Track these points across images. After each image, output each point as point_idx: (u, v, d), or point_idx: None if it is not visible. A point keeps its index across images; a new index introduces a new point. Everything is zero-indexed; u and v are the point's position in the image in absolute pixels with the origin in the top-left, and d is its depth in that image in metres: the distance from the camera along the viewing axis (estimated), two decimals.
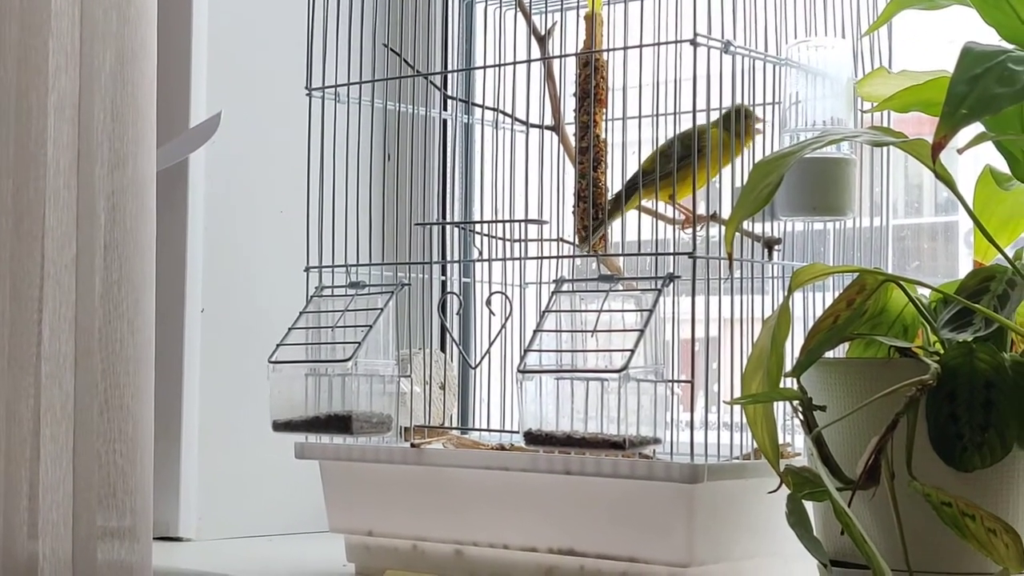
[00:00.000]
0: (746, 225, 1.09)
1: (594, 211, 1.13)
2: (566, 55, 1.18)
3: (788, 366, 0.92)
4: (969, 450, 0.88)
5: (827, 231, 1.15)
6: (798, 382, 0.92)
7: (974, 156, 1.09)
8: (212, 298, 1.41)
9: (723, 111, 1.06)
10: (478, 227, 1.23)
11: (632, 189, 1.11)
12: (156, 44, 1.22)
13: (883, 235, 1.16)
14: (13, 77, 1.20)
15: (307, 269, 1.23)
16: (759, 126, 1.09)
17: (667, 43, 1.05)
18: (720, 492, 1.02)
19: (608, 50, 1.14)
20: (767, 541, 1.05)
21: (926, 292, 0.96)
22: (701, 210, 1.08)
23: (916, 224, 1.37)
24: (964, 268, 1.28)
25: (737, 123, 1.06)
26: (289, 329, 1.19)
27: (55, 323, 1.18)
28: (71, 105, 1.19)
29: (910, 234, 1.37)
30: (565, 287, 1.07)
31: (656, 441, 1.02)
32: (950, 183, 0.89)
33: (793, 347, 0.98)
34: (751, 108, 1.08)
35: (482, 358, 1.22)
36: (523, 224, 1.16)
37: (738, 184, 1.09)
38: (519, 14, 1.21)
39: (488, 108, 1.25)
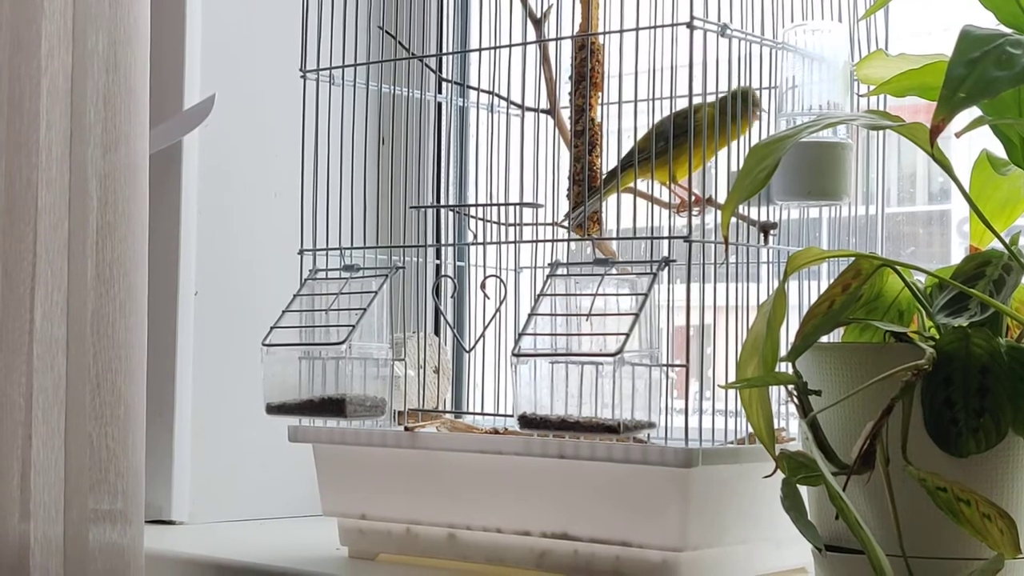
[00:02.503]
0: (742, 209, 1.09)
1: (588, 194, 1.13)
2: (562, 38, 1.17)
3: (784, 351, 0.92)
4: (964, 435, 0.87)
5: (821, 217, 1.15)
6: (793, 367, 0.92)
7: (968, 143, 1.09)
8: (206, 281, 1.41)
9: (727, 92, 1.06)
10: (473, 210, 1.23)
11: (627, 167, 1.11)
12: (149, 25, 1.22)
13: (878, 221, 1.15)
14: (5, 59, 1.19)
15: (301, 252, 1.22)
16: (759, 112, 1.08)
17: (663, 26, 1.04)
18: (714, 477, 1.02)
19: (604, 33, 1.13)
20: (761, 526, 1.05)
21: (922, 277, 0.96)
22: (697, 192, 1.08)
23: (909, 212, 1.37)
24: (957, 258, 1.28)
25: (735, 104, 1.06)
26: (283, 312, 1.19)
27: (47, 305, 1.17)
28: (64, 87, 1.19)
29: (904, 220, 1.36)
30: (560, 271, 1.06)
31: (651, 425, 1.01)
32: (947, 167, 0.89)
33: (788, 332, 0.97)
34: (756, 92, 1.08)
35: (476, 342, 1.22)
36: (518, 207, 1.16)
37: (734, 168, 1.09)
38: None
39: (483, 91, 1.24)
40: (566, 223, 1.16)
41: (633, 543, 1.03)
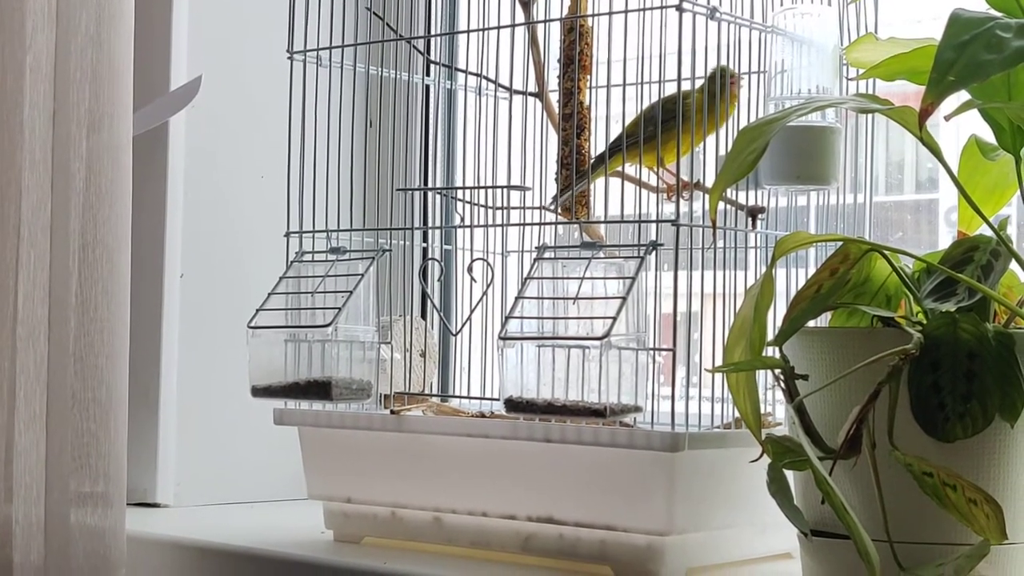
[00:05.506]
0: (730, 194, 1.08)
1: (577, 178, 1.13)
2: (550, 20, 1.17)
3: (771, 335, 0.91)
4: (951, 420, 0.87)
5: (809, 204, 1.15)
6: (781, 351, 0.92)
7: (956, 131, 1.08)
8: (191, 263, 1.40)
9: (705, 75, 1.06)
10: (460, 193, 1.23)
11: (615, 151, 1.10)
12: (133, 4, 1.21)
13: (866, 207, 1.15)
14: None
15: (287, 234, 1.22)
16: (740, 84, 1.08)
17: (652, 8, 1.04)
18: (701, 461, 1.02)
19: (593, 15, 1.12)
20: (747, 510, 1.05)
21: (909, 262, 0.96)
22: (685, 178, 1.08)
23: (897, 201, 1.37)
24: (944, 246, 1.28)
25: (715, 83, 1.06)
26: (269, 294, 1.18)
27: (29, 286, 1.17)
28: (47, 66, 1.18)
29: (892, 208, 1.36)
30: (547, 254, 1.06)
31: (637, 409, 1.01)
32: (936, 151, 0.88)
33: (776, 317, 0.97)
34: (732, 69, 1.07)
35: (463, 325, 1.21)
36: (505, 191, 1.15)
37: (722, 152, 1.08)
38: None
39: (471, 73, 1.24)
40: (552, 206, 1.15)
41: (619, 527, 1.03)
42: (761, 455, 0.90)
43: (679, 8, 1.01)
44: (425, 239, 1.30)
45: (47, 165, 1.18)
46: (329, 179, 1.21)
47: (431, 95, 1.37)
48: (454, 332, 1.25)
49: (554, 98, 1.18)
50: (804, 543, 0.94)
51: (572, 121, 1.14)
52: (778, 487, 0.90)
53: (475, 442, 1.09)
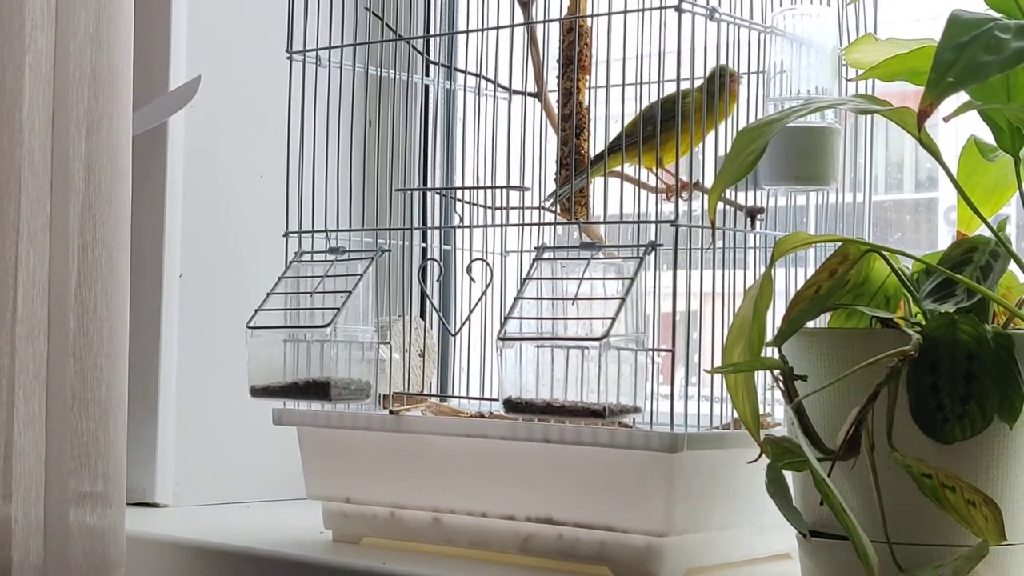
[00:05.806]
0: (729, 194, 1.08)
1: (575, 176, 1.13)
2: (550, 20, 1.17)
3: (770, 336, 0.91)
4: (950, 421, 0.87)
5: (808, 204, 1.15)
6: (779, 352, 0.92)
7: (955, 131, 1.08)
8: (191, 263, 1.40)
9: (705, 76, 1.06)
10: (459, 193, 1.23)
11: (614, 151, 1.10)
12: (133, 4, 1.21)
13: (865, 207, 1.15)
14: None
15: (286, 234, 1.22)
16: (740, 83, 1.08)
17: (651, 9, 1.04)
18: (700, 462, 1.02)
19: (592, 16, 1.12)
20: (746, 511, 1.05)
21: (908, 263, 0.96)
22: (684, 178, 1.08)
23: (897, 200, 1.37)
24: (944, 245, 1.28)
25: (715, 82, 1.06)
26: (268, 294, 1.18)
27: (28, 285, 1.16)
28: (47, 65, 1.18)
29: (892, 207, 1.36)
30: (546, 254, 1.06)
31: (636, 410, 1.01)
32: (935, 152, 0.88)
33: (775, 318, 0.97)
34: (732, 68, 1.08)
35: (462, 325, 1.22)
36: (505, 191, 1.15)
37: (722, 153, 1.08)
38: None
39: (470, 74, 1.24)
40: (549, 203, 1.15)
41: (618, 528, 1.03)
42: (760, 456, 0.90)
43: (678, 8, 1.01)
44: (424, 239, 1.30)
45: (46, 164, 1.18)
46: (328, 179, 1.21)
47: (430, 95, 1.37)
48: (453, 332, 1.25)
49: (553, 98, 1.18)
50: (803, 544, 0.94)
51: (571, 121, 1.14)
52: (777, 488, 0.90)
53: (474, 442, 1.09)
